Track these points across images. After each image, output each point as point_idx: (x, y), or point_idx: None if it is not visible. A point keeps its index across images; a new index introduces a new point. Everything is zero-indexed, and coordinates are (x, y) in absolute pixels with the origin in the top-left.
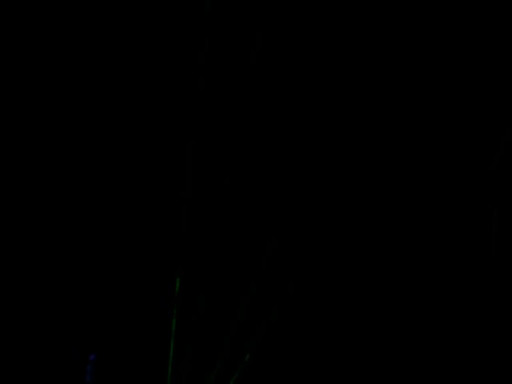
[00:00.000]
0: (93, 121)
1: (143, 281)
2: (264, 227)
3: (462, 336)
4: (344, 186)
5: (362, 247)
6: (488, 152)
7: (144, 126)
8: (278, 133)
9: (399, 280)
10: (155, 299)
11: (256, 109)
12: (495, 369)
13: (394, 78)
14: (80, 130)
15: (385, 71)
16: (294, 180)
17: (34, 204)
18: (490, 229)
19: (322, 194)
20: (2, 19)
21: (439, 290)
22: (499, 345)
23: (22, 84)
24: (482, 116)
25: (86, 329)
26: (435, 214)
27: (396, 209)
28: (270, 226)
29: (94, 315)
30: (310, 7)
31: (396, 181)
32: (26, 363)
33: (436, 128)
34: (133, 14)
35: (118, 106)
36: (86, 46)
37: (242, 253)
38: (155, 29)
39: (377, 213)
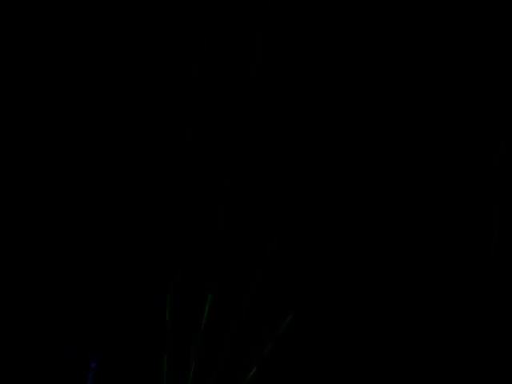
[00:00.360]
0: (92, 121)
1: (143, 281)
2: (264, 227)
3: (462, 336)
4: (343, 186)
5: (362, 247)
6: (488, 152)
7: (143, 126)
8: (278, 133)
9: (399, 280)
10: (155, 299)
11: (256, 109)
12: (495, 369)
13: (393, 78)
14: (78, 130)
15: (385, 72)
16: (294, 180)
17: (33, 204)
18: (490, 229)
19: (322, 193)
20: (1, 19)
21: (439, 290)
22: (499, 345)
23: (16, 80)
24: (482, 116)
25: (86, 329)
26: (435, 214)
27: (396, 209)
28: (270, 226)
29: (93, 316)
30: (310, 6)
31: (396, 181)
32: (26, 368)
33: (436, 128)
34: (132, 12)
35: (119, 105)
36: (85, 44)
37: (241, 253)
38: (154, 26)
39: (377, 212)
